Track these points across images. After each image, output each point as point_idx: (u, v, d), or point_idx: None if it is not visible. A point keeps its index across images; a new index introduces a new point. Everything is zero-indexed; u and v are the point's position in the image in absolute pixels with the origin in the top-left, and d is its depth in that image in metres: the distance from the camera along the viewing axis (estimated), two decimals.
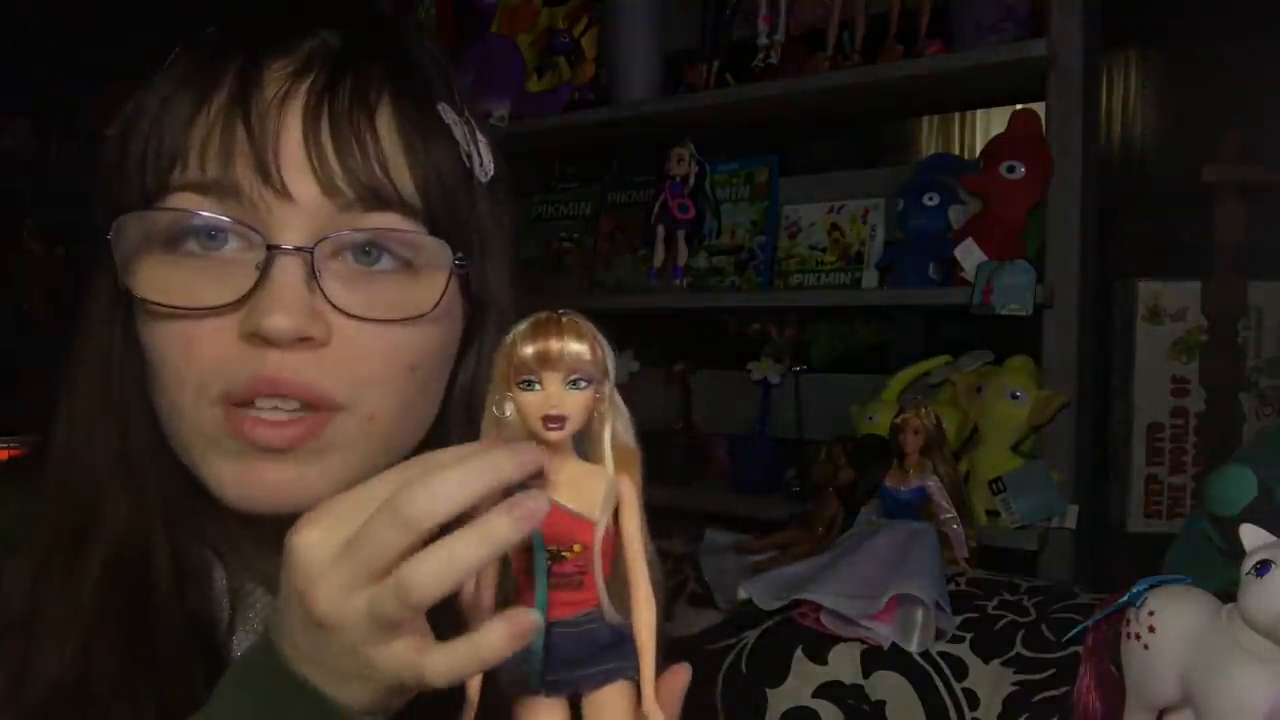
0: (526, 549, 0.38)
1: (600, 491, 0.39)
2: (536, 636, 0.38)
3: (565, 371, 0.39)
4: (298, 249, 0.48)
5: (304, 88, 0.49)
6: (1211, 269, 1.73)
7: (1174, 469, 1.75)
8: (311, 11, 0.53)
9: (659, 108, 1.85)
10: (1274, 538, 0.71)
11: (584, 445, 0.41)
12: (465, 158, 0.54)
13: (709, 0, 1.86)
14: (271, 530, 0.46)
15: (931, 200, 1.61)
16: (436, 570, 0.36)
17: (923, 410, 1.23)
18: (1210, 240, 1.73)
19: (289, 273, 0.48)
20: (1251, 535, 0.71)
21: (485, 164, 0.56)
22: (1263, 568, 0.68)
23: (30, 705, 0.49)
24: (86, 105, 2.93)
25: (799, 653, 1.10)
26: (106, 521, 0.53)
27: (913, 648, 1.05)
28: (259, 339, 0.47)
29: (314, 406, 0.49)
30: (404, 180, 0.51)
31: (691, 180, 1.85)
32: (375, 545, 0.36)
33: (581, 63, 2.03)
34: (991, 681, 1.01)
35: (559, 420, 0.39)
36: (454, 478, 0.36)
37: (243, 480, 0.50)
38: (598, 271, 2.03)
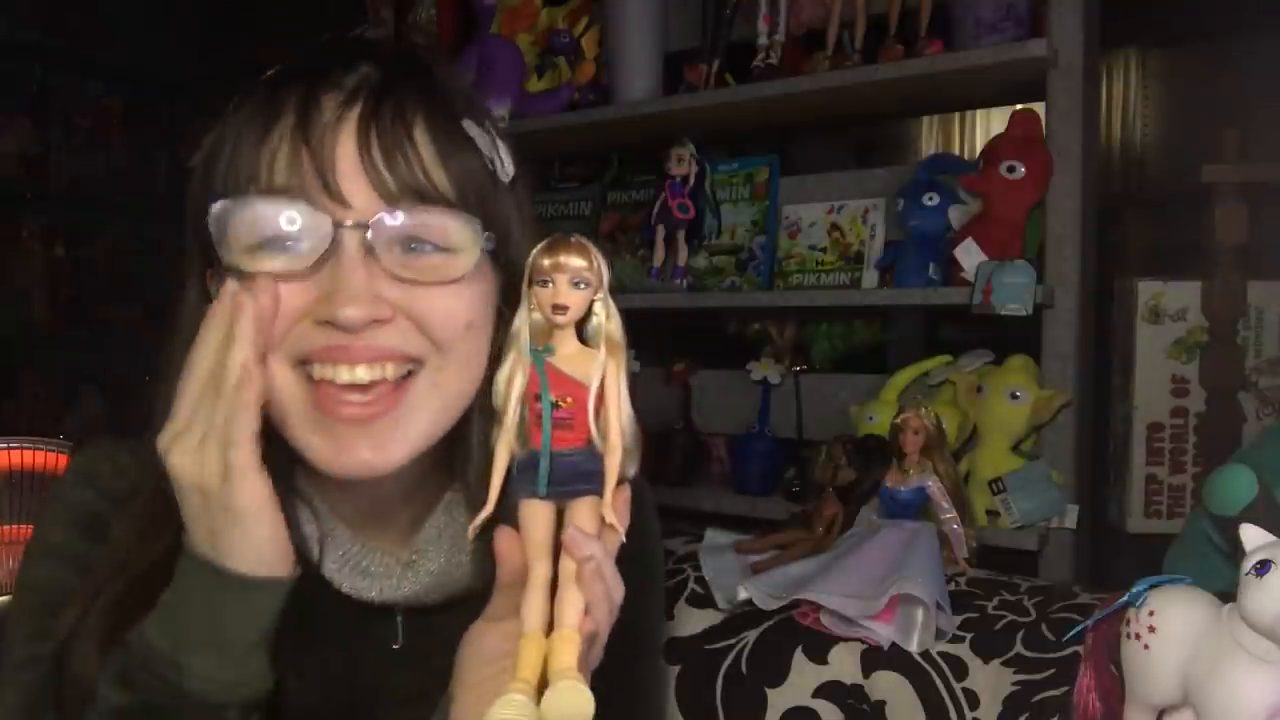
0: (538, 399, 0.55)
1: (591, 365, 0.56)
2: (543, 459, 0.55)
3: (570, 275, 0.54)
4: (357, 224, 0.59)
5: (354, 113, 0.60)
6: (1211, 269, 1.73)
7: (1174, 469, 1.76)
8: (354, 51, 0.65)
9: (659, 108, 1.85)
10: (1274, 538, 0.71)
11: (586, 334, 0.57)
12: (489, 162, 0.65)
13: (709, 0, 1.86)
14: (411, 529, 0.69)
15: (931, 200, 1.61)
16: None
17: (923, 410, 1.23)
18: (1210, 240, 1.73)
19: (351, 252, 0.59)
20: (1251, 535, 0.71)
21: (506, 167, 0.67)
22: (1263, 568, 0.68)
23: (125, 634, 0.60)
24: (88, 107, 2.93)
25: (799, 653, 1.10)
26: None
27: (913, 648, 1.05)
28: (330, 324, 0.59)
29: (391, 360, 0.61)
30: (441, 180, 0.62)
31: (691, 180, 1.85)
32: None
33: (581, 63, 2.03)
34: (991, 681, 1.01)
35: (563, 309, 0.54)
36: None
37: (335, 453, 0.61)
38: None
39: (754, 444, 1.83)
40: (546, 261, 0.54)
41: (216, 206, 0.60)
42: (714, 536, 1.33)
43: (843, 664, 1.08)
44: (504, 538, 0.56)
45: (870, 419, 1.60)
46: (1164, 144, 2.99)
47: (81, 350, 2.95)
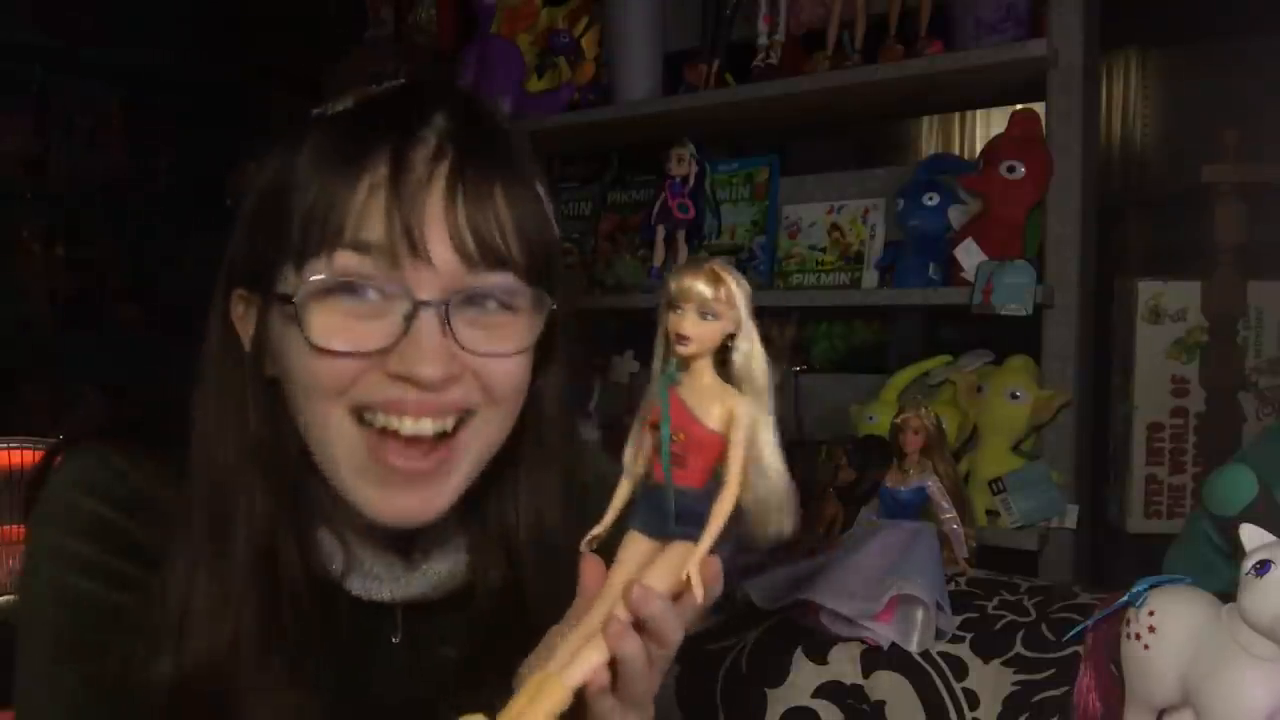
0: (656, 428, 0.53)
1: (715, 403, 0.52)
2: (646, 492, 0.53)
3: (697, 304, 0.51)
4: (436, 302, 0.59)
5: (442, 171, 0.60)
6: (1211, 269, 1.73)
7: (1174, 469, 1.75)
8: (426, 97, 0.64)
9: (659, 108, 1.85)
10: (1274, 538, 0.71)
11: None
12: (551, 221, 0.66)
13: (709, 0, 1.86)
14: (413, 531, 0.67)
15: (931, 200, 1.61)
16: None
17: (923, 410, 1.23)
18: (1210, 240, 1.73)
19: (429, 323, 0.59)
20: (1251, 535, 0.71)
21: (554, 221, 0.67)
22: (1263, 568, 0.68)
23: (191, 669, 0.61)
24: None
25: (799, 653, 1.10)
26: (242, 511, 0.63)
27: (913, 648, 1.05)
28: (406, 380, 0.59)
29: (453, 413, 0.61)
30: (515, 245, 0.62)
31: (691, 180, 1.85)
32: None
33: (581, 63, 2.03)
34: (991, 681, 1.01)
35: (684, 339, 0.51)
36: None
37: (383, 503, 0.62)
38: (598, 271, 2.03)
39: None
40: (674, 286, 0.52)
41: (315, 280, 0.59)
42: None
43: (843, 664, 1.08)
44: (589, 567, 0.55)
45: (870, 419, 1.60)
46: (1164, 144, 2.99)
47: (81, 350, 2.95)
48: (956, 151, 3.21)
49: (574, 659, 0.52)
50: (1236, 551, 0.72)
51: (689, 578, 0.52)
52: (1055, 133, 1.52)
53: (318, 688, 0.64)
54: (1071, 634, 0.97)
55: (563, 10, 2.09)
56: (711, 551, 0.52)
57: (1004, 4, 1.52)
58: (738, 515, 0.52)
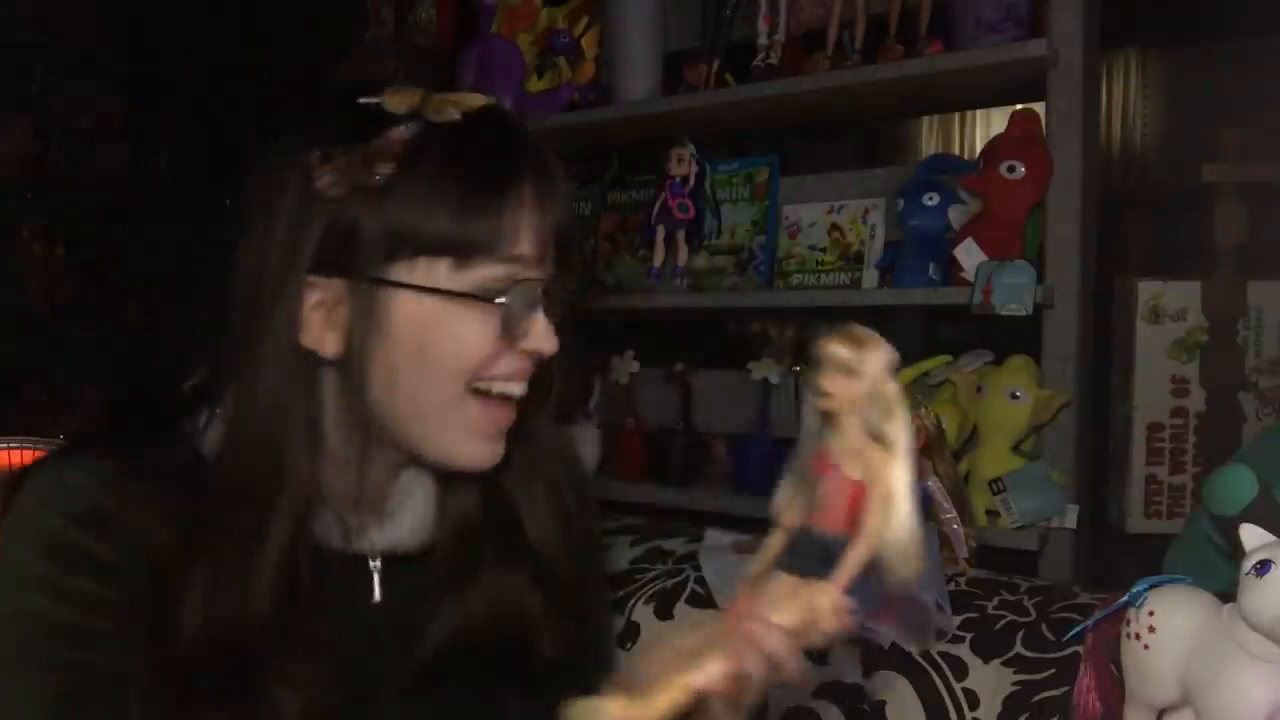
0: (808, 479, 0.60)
1: (857, 457, 0.58)
2: (810, 539, 0.59)
3: (837, 364, 0.58)
4: (546, 291, 0.72)
5: (547, 181, 0.71)
6: (1211, 269, 1.73)
7: (1174, 469, 1.75)
8: (512, 114, 0.77)
9: (659, 108, 1.85)
10: (1274, 538, 0.71)
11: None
12: None
13: (709, 0, 1.86)
14: (387, 484, 0.77)
15: (931, 200, 1.61)
16: None
17: (923, 410, 1.23)
18: (1210, 240, 1.73)
19: (542, 310, 0.72)
20: (1251, 535, 0.71)
21: None
22: (1263, 567, 0.68)
23: (214, 637, 0.65)
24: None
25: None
26: (275, 484, 0.68)
27: (913, 648, 1.05)
28: (530, 353, 0.72)
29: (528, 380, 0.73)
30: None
31: (691, 180, 1.85)
32: None
33: (581, 63, 2.03)
34: (991, 681, 1.01)
35: (825, 395, 0.58)
36: None
37: (483, 453, 0.73)
38: (598, 271, 2.03)
39: (754, 444, 1.83)
40: (820, 348, 0.58)
41: (477, 283, 0.69)
42: (714, 536, 1.32)
43: (843, 664, 1.08)
44: (740, 599, 0.61)
45: None
46: (1164, 144, 2.99)
47: (81, 350, 2.95)
48: (956, 151, 3.21)
49: (704, 665, 0.59)
50: (1236, 551, 0.72)
51: (816, 615, 0.59)
52: (1055, 133, 1.52)
53: (312, 653, 0.69)
54: (1071, 634, 0.97)
55: (563, 10, 2.09)
56: (846, 594, 0.59)
57: (1004, 4, 1.52)
58: (874, 562, 0.58)
